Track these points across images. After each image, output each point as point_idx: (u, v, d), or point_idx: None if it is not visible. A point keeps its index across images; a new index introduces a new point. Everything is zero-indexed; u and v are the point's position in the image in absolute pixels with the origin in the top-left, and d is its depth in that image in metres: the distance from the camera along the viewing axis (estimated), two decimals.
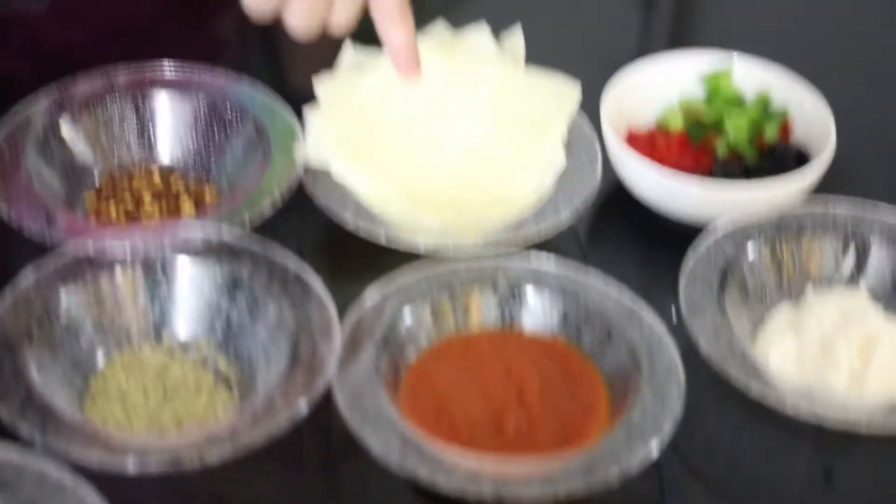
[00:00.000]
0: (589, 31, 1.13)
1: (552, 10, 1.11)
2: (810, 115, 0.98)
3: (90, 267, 0.84)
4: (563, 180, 0.95)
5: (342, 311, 0.84)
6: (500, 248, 0.90)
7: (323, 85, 0.96)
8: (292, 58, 1.11)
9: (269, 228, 0.91)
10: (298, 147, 0.92)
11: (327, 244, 0.95)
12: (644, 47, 1.06)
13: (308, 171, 0.93)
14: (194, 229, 0.86)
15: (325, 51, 0.99)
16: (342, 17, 0.91)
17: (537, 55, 1.00)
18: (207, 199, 0.93)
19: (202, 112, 0.96)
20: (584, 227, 0.98)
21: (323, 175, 0.93)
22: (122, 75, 0.97)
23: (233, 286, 0.84)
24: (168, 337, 0.85)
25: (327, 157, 0.93)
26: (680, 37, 1.08)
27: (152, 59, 0.99)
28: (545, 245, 0.94)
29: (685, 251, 0.89)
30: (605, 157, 0.97)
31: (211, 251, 0.85)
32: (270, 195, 0.89)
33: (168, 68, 0.97)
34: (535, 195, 0.94)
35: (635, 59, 1.01)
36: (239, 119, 0.95)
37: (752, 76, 1.01)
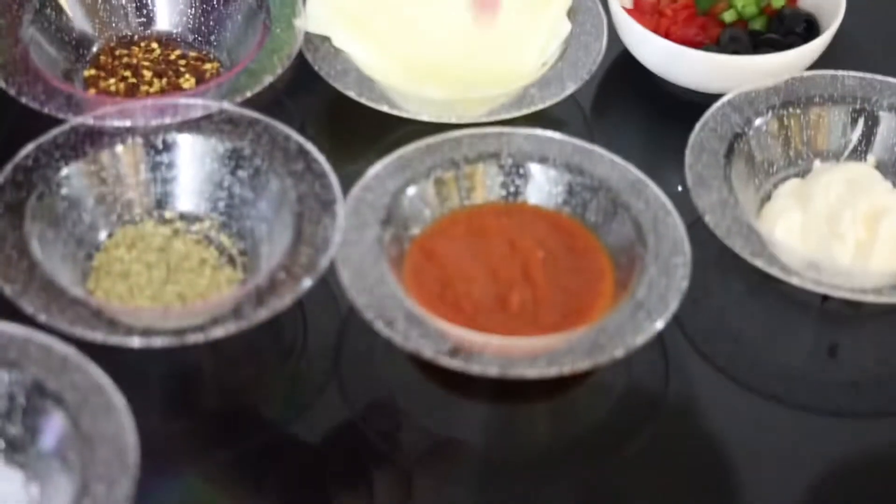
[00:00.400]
0: None
1: None
2: None
3: (90, 141, 0.83)
4: (568, 51, 0.94)
5: (346, 186, 0.83)
6: (504, 119, 0.89)
7: None
8: None
9: (271, 102, 0.90)
10: (299, 17, 0.91)
11: (330, 118, 0.94)
12: None
13: (309, 41, 0.91)
14: (195, 103, 0.85)
15: None
16: None
17: None
18: (208, 72, 0.92)
19: None
20: (589, 99, 0.97)
21: (325, 45, 0.92)
22: None
23: (235, 160, 0.84)
24: (171, 212, 0.84)
25: (328, 25, 0.91)
26: None
27: None
28: (551, 117, 0.93)
29: (692, 122, 0.88)
30: (610, 26, 0.95)
31: (212, 125, 0.84)
32: (271, 67, 0.88)
33: None
34: (539, 66, 0.93)
35: None
36: None
37: None
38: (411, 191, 0.84)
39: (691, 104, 0.91)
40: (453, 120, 0.88)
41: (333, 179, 0.82)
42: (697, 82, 0.93)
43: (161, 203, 0.84)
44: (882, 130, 0.89)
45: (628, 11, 0.95)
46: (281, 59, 0.88)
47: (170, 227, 0.84)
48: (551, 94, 0.91)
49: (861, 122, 0.90)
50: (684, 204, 0.84)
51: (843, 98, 0.90)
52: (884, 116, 0.89)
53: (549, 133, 0.87)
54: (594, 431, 0.80)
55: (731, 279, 0.86)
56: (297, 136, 0.84)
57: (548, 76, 0.92)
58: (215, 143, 0.84)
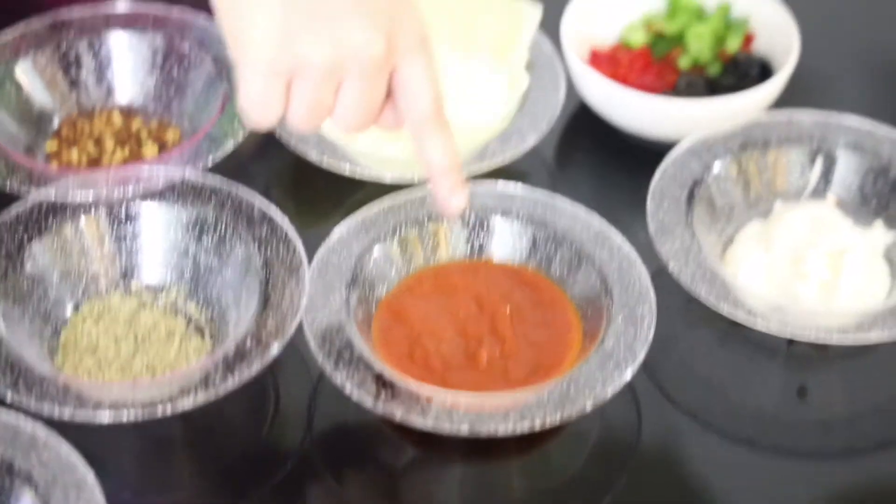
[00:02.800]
0: None
1: None
2: (773, 24, 0.97)
3: (53, 215, 0.83)
4: (527, 103, 0.94)
5: (311, 249, 0.83)
6: (467, 177, 0.89)
7: None
8: None
9: (234, 167, 0.90)
10: None
11: (294, 181, 0.94)
12: None
13: None
14: (158, 172, 0.85)
15: None
16: (347, 110, 0.75)
17: None
18: (170, 140, 0.92)
19: (161, 50, 0.94)
20: (551, 150, 0.97)
21: None
22: (77, 14, 0.95)
23: (199, 228, 0.84)
24: (137, 283, 0.85)
25: None
26: None
27: None
28: (512, 170, 0.94)
29: (653, 169, 0.89)
30: (568, 77, 0.96)
31: (175, 193, 0.85)
32: (233, 133, 0.88)
33: (125, 6, 0.96)
34: (499, 120, 0.93)
35: None
36: (198, 56, 0.94)
37: None
38: (376, 251, 0.85)
39: (651, 151, 0.92)
40: (415, 178, 0.89)
41: (298, 243, 0.82)
42: (656, 129, 0.94)
43: (127, 274, 0.84)
44: (840, 169, 0.90)
45: (585, 62, 0.96)
46: (241, 126, 0.88)
47: (136, 298, 0.84)
48: (512, 147, 0.91)
49: (819, 161, 0.90)
50: (648, 251, 0.85)
51: (800, 139, 0.91)
52: (841, 155, 0.90)
53: (512, 186, 0.88)
54: (569, 484, 0.80)
55: (698, 325, 0.86)
56: (260, 201, 0.84)
57: (508, 130, 0.93)
58: (179, 212, 0.84)
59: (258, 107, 0.74)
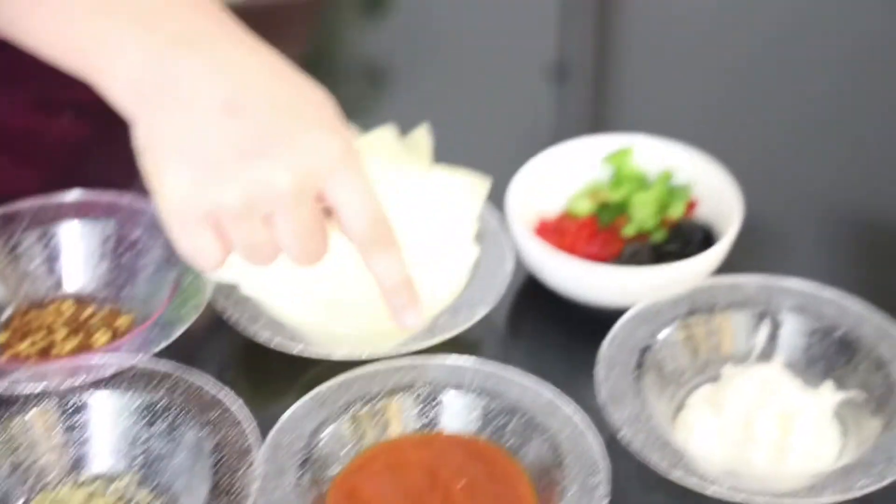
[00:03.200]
0: (497, 126, 1.13)
1: (458, 108, 1.11)
2: (715, 190, 0.99)
3: (2, 408, 0.83)
4: (477, 275, 0.96)
5: (265, 429, 0.83)
6: (417, 350, 0.90)
7: None
8: None
9: (187, 351, 0.91)
10: None
11: (246, 362, 0.95)
12: (557, 134, 1.07)
13: (219, 289, 0.93)
14: (109, 360, 0.86)
15: None
16: (290, 242, 0.77)
17: (446, 151, 1.01)
18: (121, 326, 0.93)
19: (112, 238, 0.95)
20: (503, 319, 0.98)
21: (235, 292, 0.93)
22: (28, 205, 0.96)
23: (150, 415, 0.84)
24: (87, 474, 0.84)
25: (236, 273, 0.92)
26: (589, 124, 1.09)
27: (59, 186, 0.98)
28: (464, 341, 0.94)
29: (603, 337, 0.90)
30: (516, 248, 0.98)
31: (126, 381, 0.85)
32: (183, 318, 0.89)
33: (75, 195, 0.97)
34: (448, 293, 0.95)
35: (545, 147, 1.02)
36: (149, 242, 0.95)
37: (656, 156, 1.02)
38: (328, 430, 0.85)
39: (601, 319, 0.92)
40: (366, 355, 0.90)
41: (249, 426, 0.82)
42: (604, 298, 0.95)
43: (77, 465, 0.84)
44: (786, 331, 0.91)
45: (532, 231, 0.98)
46: (192, 310, 0.90)
47: (87, 489, 0.83)
48: (461, 320, 0.92)
49: (765, 324, 0.92)
50: (600, 419, 0.86)
51: (745, 302, 0.92)
52: (786, 318, 0.91)
53: (462, 360, 0.89)
54: None
55: (652, 491, 0.86)
56: (211, 385, 0.84)
57: (457, 303, 0.94)
58: (130, 399, 0.84)
59: (192, 254, 0.76)
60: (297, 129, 0.76)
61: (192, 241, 0.76)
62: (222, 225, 0.76)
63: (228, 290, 0.93)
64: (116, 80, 0.76)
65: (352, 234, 0.77)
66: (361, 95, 1.22)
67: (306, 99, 0.78)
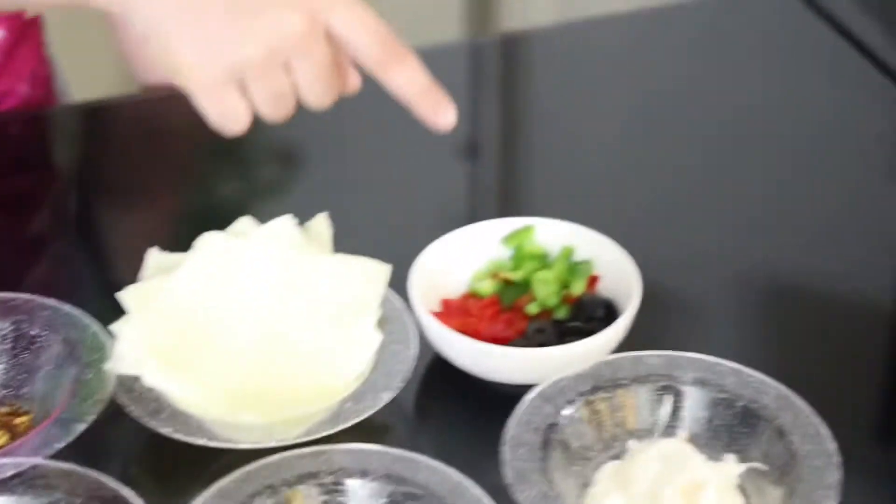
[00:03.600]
0: (404, 208, 1.14)
1: (355, 196, 1.12)
2: (613, 267, 1.00)
3: None
4: (381, 360, 0.96)
5: None
6: (322, 437, 0.90)
7: (129, 295, 0.96)
8: (97, 274, 1.11)
9: (88, 449, 0.90)
10: (110, 361, 0.92)
11: (151, 456, 0.93)
12: (460, 218, 1.08)
13: (121, 382, 0.92)
14: (6, 462, 0.84)
15: (130, 262, 0.99)
16: (310, 88, 0.82)
17: (346, 239, 1.01)
18: (21, 426, 0.91)
19: (9, 337, 0.94)
20: (410, 402, 0.98)
21: (137, 384, 0.92)
22: None
23: None
24: None
25: (138, 365, 0.92)
26: (493, 206, 1.10)
27: None
28: (372, 426, 0.94)
29: (509, 416, 0.91)
30: (421, 330, 0.98)
31: (25, 482, 0.83)
32: (84, 415, 0.88)
33: None
34: (353, 379, 0.94)
35: (449, 230, 1.03)
36: (47, 339, 0.94)
37: (555, 236, 1.03)
38: None
39: (507, 397, 0.93)
40: (272, 444, 0.89)
41: None
42: (509, 377, 0.95)
43: None
44: (689, 405, 0.92)
45: (436, 315, 0.98)
46: (93, 406, 0.89)
47: None
48: (367, 406, 0.92)
49: (668, 398, 0.92)
50: (508, 500, 0.85)
51: (648, 377, 0.93)
52: (688, 391, 0.92)
53: (367, 446, 0.88)
54: None
55: None
56: (112, 484, 0.83)
57: (362, 388, 0.93)
58: (29, 501, 0.83)
59: (223, 118, 0.81)
60: None
61: (220, 104, 0.80)
62: (246, 81, 0.80)
63: (130, 384, 0.92)
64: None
65: (365, 58, 0.81)
66: (272, 179, 1.22)
67: None
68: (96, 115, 1.28)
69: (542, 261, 1.03)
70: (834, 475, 0.86)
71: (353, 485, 0.87)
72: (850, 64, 1.29)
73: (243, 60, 0.80)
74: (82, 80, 1.36)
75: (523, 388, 0.92)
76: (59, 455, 0.86)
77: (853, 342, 1.03)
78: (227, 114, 0.81)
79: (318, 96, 0.82)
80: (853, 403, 0.98)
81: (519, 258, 1.03)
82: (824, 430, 0.88)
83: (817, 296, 1.08)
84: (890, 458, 0.96)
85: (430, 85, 0.82)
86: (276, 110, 0.82)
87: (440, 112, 0.82)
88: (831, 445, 0.87)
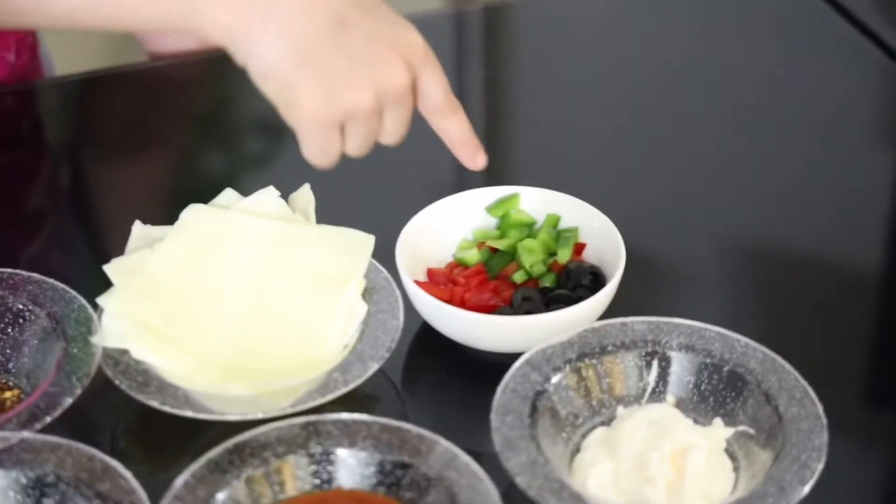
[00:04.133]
0: (388, 181, 1.14)
1: (339, 167, 1.12)
2: (598, 234, 1.00)
3: None
4: (367, 330, 0.96)
5: (161, 497, 0.82)
6: (311, 408, 0.90)
7: (115, 268, 0.96)
8: (82, 248, 1.11)
9: (76, 423, 0.90)
10: (96, 334, 0.92)
11: (139, 429, 0.93)
12: (446, 188, 1.08)
13: (108, 356, 0.92)
14: None
15: (115, 236, 0.99)
16: (394, 130, 0.92)
17: (331, 210, 1.01)
18: (8, 400, 0.91)
19: None
20: (398, 372, 0.98)
21: (124, 357, 0.92)
22: None
23: (39, 490, 0.83)
24: None
25: (125, 338, 0.92)
26: (478, 177, 1.10)
27: None
28: (361, 396, 0.94)
29: (497, 384, 0.90)
30: (407, 300, 0.98)
31: (13, 457, 0.83)
32: (71, 389, 0.88)
33: None
34: (340, 350, 0.94)
35: (435, 200, 1.03)
36: (32, 313, 0.93)
37: (540, 205, 1.03)
38: (223, 494, 0.84)
39: (495, 365, 0.93)
40: (259, 415, 0.89)
41: (142, 495, 0.82)
42: (496, 345, 0.96)
43: None
44: (675, 370, 0.92)
45: (422, 284, 0.98)
46: (80, 379, 0.88)
47: None
48: (354, 376, 0.92)
49: (655, 364, 0.92)
50: (497, 467, 0.86)
51: (635, 343, 0.93)
52: (675, 356, 0.92)
53: (355, 416, 0.88)
54: None
55: None
56: (101, 456, 0.83)
57: (349, 359, 0.94)
58: (18, 476, 0.83)
59: (323, 155, 0.91)
60: (395, 31, 0.91)
61: (325, 143, 0.90)
62: (348, 124, 0.90)
63: (117, 357, 0.92)
64: (219, 18, 0.88)
65: (432, 108, 0.93)
66: (256, 152, 1.22)
67: (379, 4, 0.92)
68: (79, 90, 1.28)
69: (528, 229, 1.03)
70: (821, 437, 0.86)
71: (341, 454, 0.87)
72: (836, 31, 1.30)
73: (357, 107, 0.89)
74: (65, 50, 1.35)
75: (510, 357, 0.92)
76: (47, 429, 0.86)
77: (837, 306, 1.04)
78: (327, 152, 0.91)
79: (395, 138, 0.93)
80: (838, 366, 0.99)
81: (505, 227, 1.03)
82: (811, 393, 0.89)
83: (802, 261, 1.08)
84: (875, 419, 0.97)
85: (472, 134, 0.96)
86: (362, 149, 0.92)
87: (478, 157, 0.96)
88: (818, 408, 0.88)
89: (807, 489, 0.84)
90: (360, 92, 0.89)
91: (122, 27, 0.98)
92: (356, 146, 0.92)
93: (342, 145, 0.92)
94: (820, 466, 0.85)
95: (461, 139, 0.95)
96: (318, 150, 0.90)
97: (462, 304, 0.98)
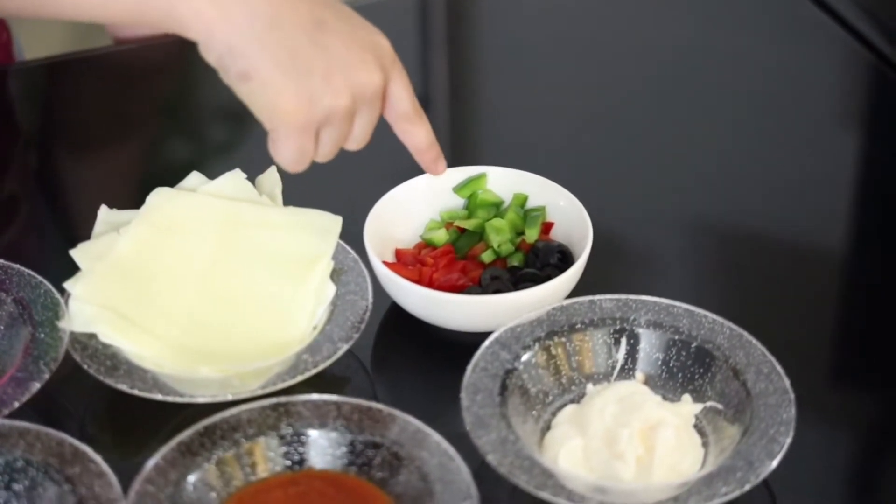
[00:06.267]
0: (355, 162, 1.14)
1: None
2: (565, 213, 1.01)
3: None
4: (336, 311, 0.96)
5: (132, 480, 0.82)
6: (281, 389, 0.90)
7: (81, 252, 0.95)
8: (48, 232, 1.11)
9: (45, 407, 0.90)
10: (63, 318, 0.91)
11: (109, 414, 0.93)
12: (414, 170, 1.08)
13: (76, 340, 0.91)
14: None
15: (81, 220, 0.99)
16: (362, 134, 0.93)
17: (298, 192, 1.01)
18: None
19: None
20: (368, 353, 0.98)
21: (92, 342, 0.92)
22: None
23: (8, 475, 0.82)
24: None
25: (93, 323, 0.91)
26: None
27: None
28: (331, 378, 0.94)
29: (466, 364, 0.91)
30: (375, 281, 0.98)
31: None
32: (38, 374, 0.88)
33: None
34: (309, 331, 0.94)
35: (401, 181, 1.03)
36: None
37: (508, 184, 1.03)
38: (194, 476, 0.84)
39: (464, 345, 0.93)
40: (230, 397, 0.89)
41: (113, 478, 0.81)
42: (465, 325, 0.96)
43: None
44: (644, 347, 0.93)
45: (390, 265, 0.98)
46: (48, 364, 0.88)
47: None
48: (324, 357, 0.92)
49: (623, 341, 0.93)
50: (468, 446, 0.86)
51: (603, 321, 0.93)
52: (643, 333, 0.93)
53: (326, 397, 0.88)
54: None
55: None
56: (71, 440, 0.83)
57: (318, 340, 0.94)
58: None
59: (298, 158, 0.91)
60: (369, 35, 0.92)
61: (300, 145, 0.89)
62: (325, 127, 0.90)
63: (85, 342, 0.92)
64: (200, 14, 0.87)
65: (398, 113, 0.94)
66: (223, 135, 1.22)
67: (350, 9, 0.93)
68: (45, 75, 1.27)
69: (496, 209, 1.03)
70: (788, 412, 0.87)
71: (312, 435, 0.87)
72: (800, 13, 1.30)
73: (335, 110, 0.90)
74: (30, 35, 1.35)
75: (480, 336, 0.92)
76: (15, 414, 0.86)
77: (802, 283, 1.04)
78: (303, 155, 0.91)
79: (361, 143, 0.94)
80: (804, 342, 0.99)
81: (472, 207, 1.03)
82: (778, 368, 0.89)
83: (767, 239, 1.08)
84: (842, 392, 0.98)
85: (434, 142, 0.98)
86: (331, 154, 0.93)
87: (439, 164, 1.00)
88: (785, 382, 0.89)
89: (775, 463, 0.85)
90: (338, 94, 0.89)
91: (96, 20, 0.96)
92: (327, 151, 0.92)
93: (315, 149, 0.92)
94: (788, 440, 0.86)
95: (424, 146, 0.97)
96: (294, 152, 0.90)
97: (430, 285, 0.98)
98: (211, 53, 0.89)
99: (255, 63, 0.88)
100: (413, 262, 1.00)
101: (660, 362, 0.92)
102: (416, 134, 0.96)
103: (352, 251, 0.99)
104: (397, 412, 0.87)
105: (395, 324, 1.00)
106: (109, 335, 0.91)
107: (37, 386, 0.87)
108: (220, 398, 0.89)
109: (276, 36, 0.88)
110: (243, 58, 0.88)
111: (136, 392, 0.89)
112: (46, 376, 0.88)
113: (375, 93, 0.91)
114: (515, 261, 1.00)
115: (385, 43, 0.93)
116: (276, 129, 0.89)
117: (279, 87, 0.88)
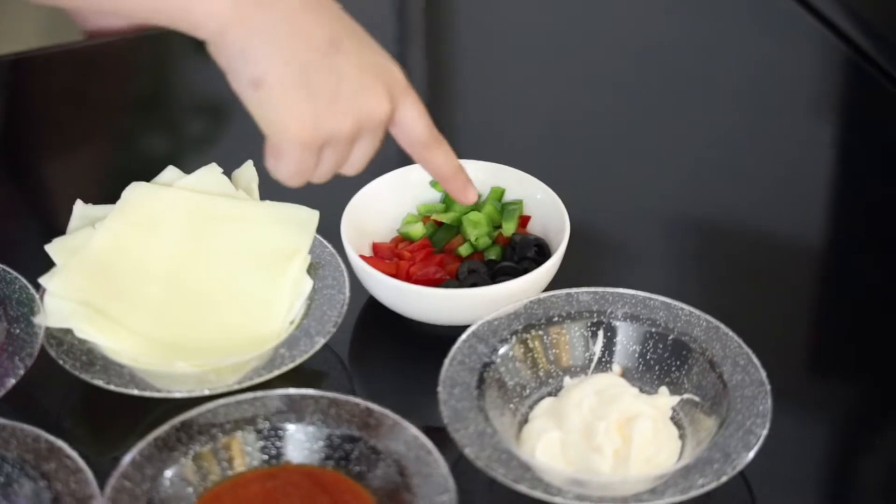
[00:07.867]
0: None
1: None
2: (542, 207, 1.01)
3: None
4: (313, 305, 0.96)
5: (108, 476, 0.82)
6: (258, 383, 0.90)
7: (56, 247, 0.95)
8: (24, 228, 1.10)
9: (21, 403, 0.89)
10: (39, 315, 0.91)
11: (85, 409, 0.93)
12: (397, 160, 1.08)
13: (51, 336, 0.91)
14: None
15: (56, 215, 0.98)
16: (359, 161, 0.91)
17: (274, 187, 1.01)
18: None
19: None
20: (345, 347, 0.98)
21: (68, 337, 0.91)
22: None
23: None
24: None
25: (69, 318, 0.91)
26: None
27: None
28: (308, 372, 0.94)
29: (444, 355, 0.91)
30: (353, 275, 0.98)
31: None
32: (14, 370, 0.87)
33: None
34: (285, 325, 0.94)
35: (378, 175, 1.02)
36: None
37: (485, 177, 1.03)
38: (171, 471, 0.84)
39: (442, 338, 0.93)
40: (206, 392, 0.89)
41: (89, 474, 0.81)
42: (442, 318, 0.96)
43: None
44: (621, 339, 0.93)
45: (367, 259, 0.98)
46: (23, 360, 0.88)
47: None
48: (301, 351, 0.92)
49: (600, 334, 0.93)
50: (446, 439, 0.86)
51: (580, 314, 0.93)
52: (620, 326, 0.93)
53: (303, 391, 0.88)
54: None
55: None
56: (46, 436, 0.83)
57: (296, 334, 0.94)
58: None
59: (297, 175, 0.89)
60: (381, 61, 0.90)
61: (301, 163, 0.88)
62: (327, 148, 0.88)
63: (61, 337, 0.91)
64: (216, 15, 0.85)
65: (415, 142, 0.92)
66: (198, 130, 1.21)
67: (365, 33, 0.91)
68: (21, 68, 1.27)
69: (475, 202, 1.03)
70: (765, 403, 0.87)
71: (290, 430, 0.87)
72: (776, 5, 1.30)
73: (339, 132, 0.88)
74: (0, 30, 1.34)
75: (457, 329, 0.92)
76: None
77: (778, 275, 1.05)
78: (302, 172, 0.89)
79: (357, 169, 0.92)
80: (780, 334, 1.00)
81: (449, 200, 1.03)
82: (754, 360, 0.90)
83: (743, 232, 1.09)
84: (818, 384, 0.98)
85: (459, 167, 0.95)
86: (327, 176, 0.91)
87: (467, 189, 0.96)
88: (761, 374, 0.89)
89: (751, 455, 0.85)
90: (343, 120, 0.87)
91: (110, 9, 0.96)
92: (324, 172, 0.90)
93: (315, 168, 0.90)
94: (764, 432, 0.86)
95: (449, 172, 0.94)
96: (293, 169, 0.88)
97: (408, 278, 0.98)
98: (221, 55, 0.86)
99: (267, 71, 0.85)
100: (390, 256, 1.00)
101: (637, 355, 0.93)
102: (437, 160, 0.93)
103: (329, 245, 0.99)
104: (375, 406, 0.87)
105: (372, 318, 1.00)
106: (85, 330, 0.91)
107: (12, 382, 0.87)
108: (196, 393, 0.89)
109: (292, 47, 0.86)
110: (255, 63, 0.85)
111: (112, 387, 0.89)
112: (22, 372, 0.87)
113: (381, 121, 0.89)
114: (493, 254, 1.00)
115: (397, 71, 0.90)
116: (279, 142, 0.88)
117: (287, 102, 0.86)
